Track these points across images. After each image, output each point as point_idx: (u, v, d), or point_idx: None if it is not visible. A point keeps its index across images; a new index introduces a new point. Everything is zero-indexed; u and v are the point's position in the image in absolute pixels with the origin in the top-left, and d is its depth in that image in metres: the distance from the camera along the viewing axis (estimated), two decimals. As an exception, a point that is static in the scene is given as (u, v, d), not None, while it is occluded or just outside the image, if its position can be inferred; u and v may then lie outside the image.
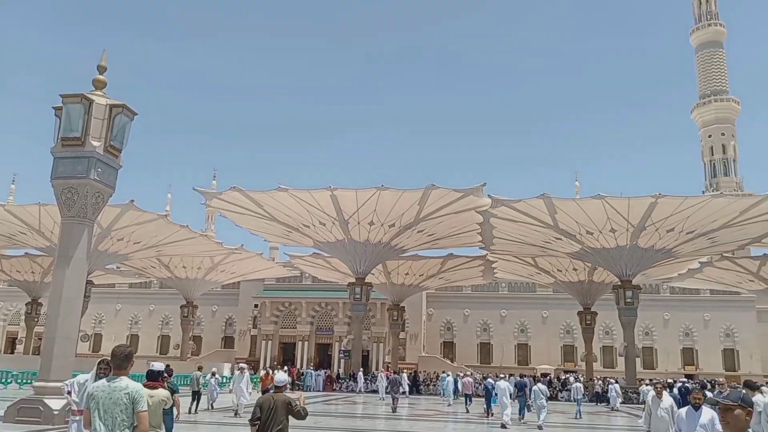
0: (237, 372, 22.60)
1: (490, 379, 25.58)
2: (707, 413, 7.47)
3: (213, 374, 24.58)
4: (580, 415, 25.55)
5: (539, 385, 22.21)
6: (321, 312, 60.90)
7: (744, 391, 3.21)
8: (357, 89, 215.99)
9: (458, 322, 67.78)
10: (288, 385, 9.10)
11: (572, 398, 28.82)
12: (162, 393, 6.62)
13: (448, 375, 34.06)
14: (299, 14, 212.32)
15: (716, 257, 44.59)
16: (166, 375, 7.36)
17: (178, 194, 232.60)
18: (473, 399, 28.59)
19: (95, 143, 16.15)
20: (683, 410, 7.86)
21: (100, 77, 17.13)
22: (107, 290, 66.31)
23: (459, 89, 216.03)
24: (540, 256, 45.68)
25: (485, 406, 24.19)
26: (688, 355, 64.90)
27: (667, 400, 10.80)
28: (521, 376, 29.84)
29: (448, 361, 60.79)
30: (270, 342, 59.54)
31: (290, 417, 7.37)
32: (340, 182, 37.64)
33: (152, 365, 7.45)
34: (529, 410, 22.70)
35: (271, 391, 7.71)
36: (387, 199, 35.70)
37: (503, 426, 19.70)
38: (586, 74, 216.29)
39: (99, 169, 16.25)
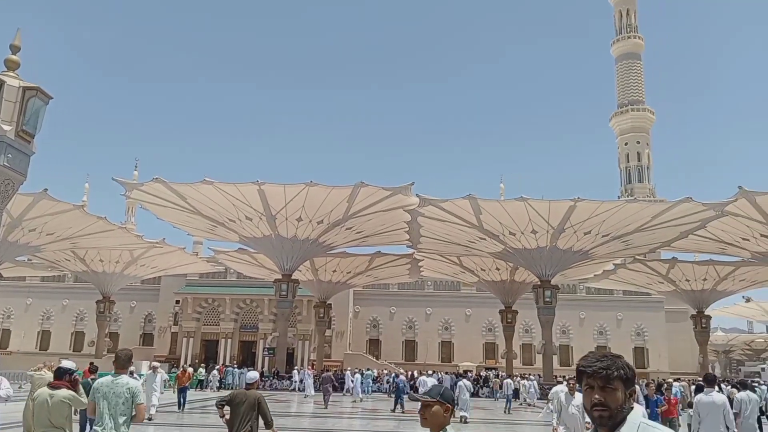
0: (149, 371, 21.02)
1: (402, 377, 27.09)
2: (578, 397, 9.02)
3: (131, 373, 23.58)
4: (509, 411, 26.87)
5: (464, 381, 23.25)
6: (246, 309, 59.85)
7: (445, 388, 3.16)
8: (291, 85, 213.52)
9: (384, 319, 68.27)
10: (259, 383, 8.97)
11: (503, 394, 29.81)
12: (63, 393, 6.37)
13: (356, 372, 34.97)
14: (235, 5, 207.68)
15: (629, 260, 46.94)
16: (75, 374, 7.02)
17: (97, 184, 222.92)
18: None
19: (6, 127, 15.17)
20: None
21: (13, 57, 16.10)
22: (17, 283, 62.68)
23: (392, 91, 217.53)
24: (465, 256, 46.66)
25: (394, 402, 25.43)
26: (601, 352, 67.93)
27: (579, 397, 9.64)
28: (457, 375, 31.25)
29: (374, 359, 61.15)
30: (191, 339, 57.95)
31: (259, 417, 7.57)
32: (268, 177, 37.10)
33: (62, 362, 7.11)
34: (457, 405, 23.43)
35: (245, 388, 7.96)
36: (316, 196, 35.48)
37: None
38: (514, 81, 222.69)
39: (9, 155, 15.26)
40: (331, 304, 55.28)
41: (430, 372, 29.27)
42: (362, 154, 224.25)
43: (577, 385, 9.99)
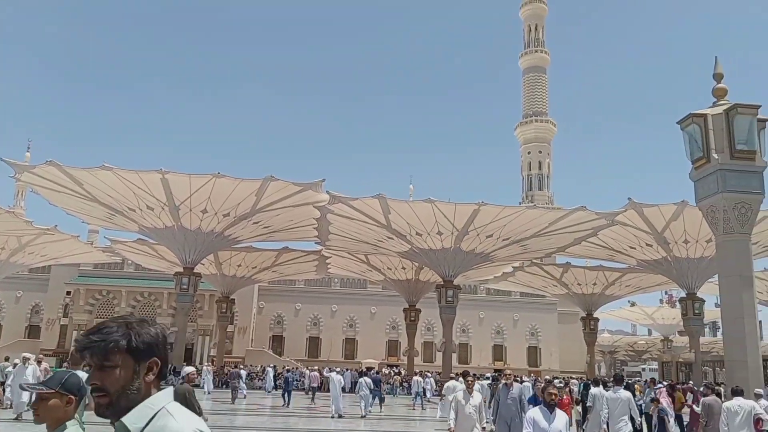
0: (18, 363, 18.20)
1: (290, 373, 28.02)
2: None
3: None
4: (423, 406, 28.00)
5: (365, 378, 24.14)
6: (143, 302, 57.44)
7: (70, 374, 2.59)
8: (203, 81, 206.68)
9: (289, 316, 67.67)
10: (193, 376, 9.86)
11: (413, 391, 30.62)
12: None
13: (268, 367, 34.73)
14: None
15: (527, 263, 49.09)
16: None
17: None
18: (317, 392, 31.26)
19: None
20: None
21: None
22: None
23: (306, 95, 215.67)
24: (372, 254, 47.10)
25: (283, 397, 26.59)
26: (498, 352, 70.77)
27: (477, 397, 9.91)
28: (377, 372, 32.20)
29: (277, 355, 60.47)
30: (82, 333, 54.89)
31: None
32: (173, 166, 35.79)
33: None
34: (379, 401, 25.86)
35: (179, 382, 9.18)
36: (223, 188, 34.58)
37: (339, 416, 21.63)
38: (427, 86, 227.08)
39: None
40: (234, 299, 54.08)
41: (337, 369, 29.63)
42: (273, 151, 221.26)
43: (477, 384, 10.08)
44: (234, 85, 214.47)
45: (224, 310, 52.67)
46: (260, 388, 39.55)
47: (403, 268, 50.20)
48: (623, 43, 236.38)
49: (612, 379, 13.39)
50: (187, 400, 7.94)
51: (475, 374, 16.44)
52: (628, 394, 11.97)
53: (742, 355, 16.42)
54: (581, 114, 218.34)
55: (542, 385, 8.02)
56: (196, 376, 10.31)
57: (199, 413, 7.93)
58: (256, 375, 42.37)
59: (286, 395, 26.57)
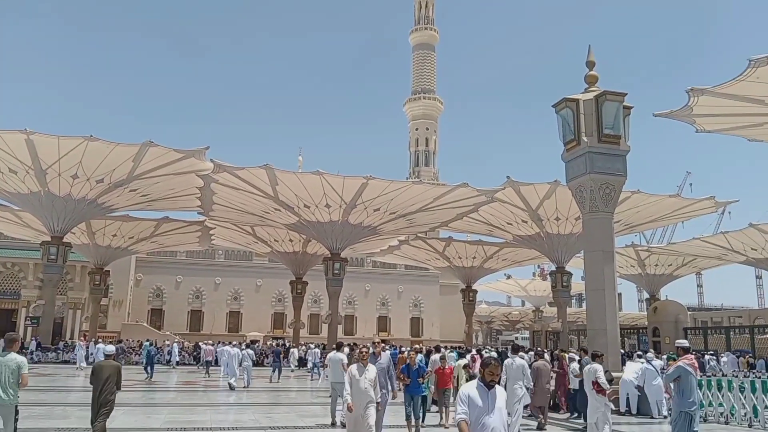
0: None
1: (151, 346, 29.08)
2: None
3: None
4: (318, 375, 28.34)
5: (248, 350, 24.26)
6: (5, 273, 53.12)
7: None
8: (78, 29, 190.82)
9: (169, 288, 65.23)
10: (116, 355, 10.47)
11: (310, 363, 30.97)
12: None
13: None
14: None
15: (412, 237, 50.36)
16: None
17: None
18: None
19: None
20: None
21: None
22: None
23: (191, 56, 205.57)
24: (259, 226, 46.26)
25: (147, 372, 26.23)
26: (383, 323, 72.49)
27: (372, 370, 9.20)
28: (278, 345, 31.99)
29: (156, 329, 58.19)
30: (-69, 307, 49.81)
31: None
32: (38, 127, 32.90)
33: None
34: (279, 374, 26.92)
35: (102, 359, 9.59)
36: (96, 152, 32.26)
37: (231, 387, 21.84)
38: (317, 59, 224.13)
39: None
40: (109, 270, 51.15)
41: (234, 342, 29.40)
42: (154, 116, 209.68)
43: (373, 355, 9.96)
44: (117, 44, 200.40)
45: (97, 283, 49.70)
46: (137, 363, 37.90)
47: (291, 241, 49.80)
48: (508, 25, 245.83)
49: (511, 348, 14.59)
50: (119, 375, 9.17)
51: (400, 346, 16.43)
52: (522, 361, 13.14)
53: (602, 324, 17.86)
54: (467, 93, 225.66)
55: (482, 360, 5.97)
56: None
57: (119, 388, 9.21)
58: (133, 350, 40.50)
59: (149, 368, 26.35)
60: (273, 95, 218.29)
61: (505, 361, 13.34)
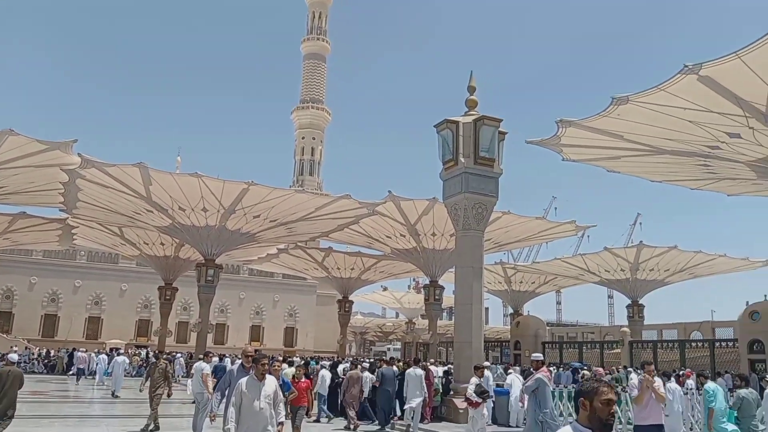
0: None
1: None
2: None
3: None
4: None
5: (121, 356, 25.43)
6: None
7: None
8: None
9: (21, 290, 59.95)
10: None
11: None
12: None
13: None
14: None
15: (291, 246, 49.86)
16: None
17: None
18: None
19: None
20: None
21: None
22: None
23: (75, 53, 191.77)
24: (128, 227, 43.68)
25: None
26: (256, 332, 71.02)
27: (270, 384, 7.11)
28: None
29: (2, 334, 53.09)
30: None
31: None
32: None
33: None
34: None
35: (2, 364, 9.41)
36: (-59, 137, 29.01)
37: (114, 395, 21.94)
38: (203, 54, 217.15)
39: None
40: (-51, 268, 46.04)
41: (121, 351, 28.33)
42: (17, 103, 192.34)
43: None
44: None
45: (-65, 281, 44.51)
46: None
47: (162, 244, 47.43)
48: (399, 44, 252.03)
49: (413, 361, 16.20)
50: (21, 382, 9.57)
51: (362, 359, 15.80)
52: (421, 372, 14.67)
53: (468, 337, 18.66)
54: (356, 106, 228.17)
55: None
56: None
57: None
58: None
59: None
60: (156, 92, 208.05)
61: (407, 371, 14.95)
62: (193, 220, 37.47)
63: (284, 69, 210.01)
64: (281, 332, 72.10)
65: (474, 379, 12.61)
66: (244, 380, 7.06)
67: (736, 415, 9.89)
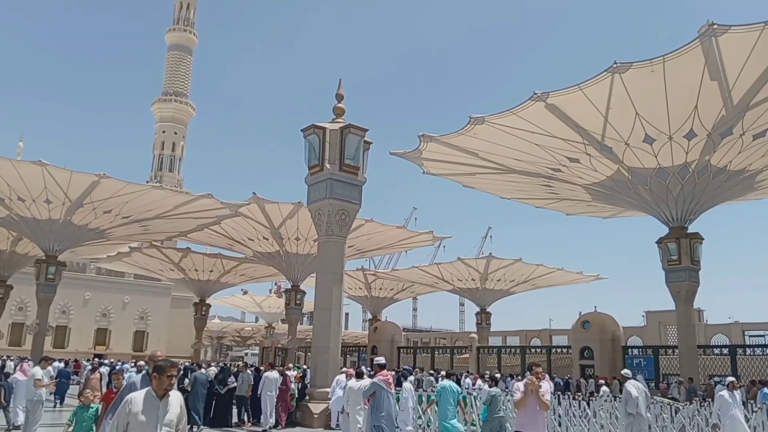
0: None
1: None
2: None
3: None
4: None
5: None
6: None
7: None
8: None
9: None
10: None
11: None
12: None
13: None
14: None
15: (146, 244, 47.36)
16: None
17: None
18: None
19: None
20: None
21: None
22: None
23: None
24: (-47, 216, 39.17)
25: None
26: (102, 335, 66.45)
27: (176, 401, 5.21)
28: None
29: None
30: None
31: None
32: None
33: None
34: None
35: None
36: None
37: None
38: (66, 32, 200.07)
39: None
40: None
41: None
42: None
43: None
44: None
45: None
46: None
47: (-4, 237, 43.04)
48: (270, 42, 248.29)
49: (355, 372, 14.40)
50: None
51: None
52: (366, 382, 13.34)
53: (326, 341, 18.92)
54: (223, 103, 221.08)
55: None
56: None
57: None
58: None
59: None
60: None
61: (349, 383, 13.83)
62: (33, 212, 34.40)
63: (147, 59, 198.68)
64: (130, 336, 68.03)
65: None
66: (136, 396, 5.05)
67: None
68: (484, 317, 51.62)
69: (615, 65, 19.30)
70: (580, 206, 32.17)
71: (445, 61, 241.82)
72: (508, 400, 12.46)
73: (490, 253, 45.83)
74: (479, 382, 18.51)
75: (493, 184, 31.02)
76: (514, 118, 22.54)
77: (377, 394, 10.75)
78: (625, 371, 13.32)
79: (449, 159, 27.72)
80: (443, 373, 16.32)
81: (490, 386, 14.71)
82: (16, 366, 27.77)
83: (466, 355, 39.56)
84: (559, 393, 15.83)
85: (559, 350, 35.72)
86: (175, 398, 5.17)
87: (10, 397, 15.28)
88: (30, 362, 18.32)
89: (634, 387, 11.84)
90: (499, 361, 36.55)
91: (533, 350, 38.94)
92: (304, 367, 29.12)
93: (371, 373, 21.60)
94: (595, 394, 18.47)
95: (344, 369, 17.31)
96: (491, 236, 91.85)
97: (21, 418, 14.25)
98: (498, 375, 14.76)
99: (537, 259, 45.98)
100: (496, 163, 27.03)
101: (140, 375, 6.74)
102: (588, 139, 23.14)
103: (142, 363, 16.87)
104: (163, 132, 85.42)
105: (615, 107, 21.03)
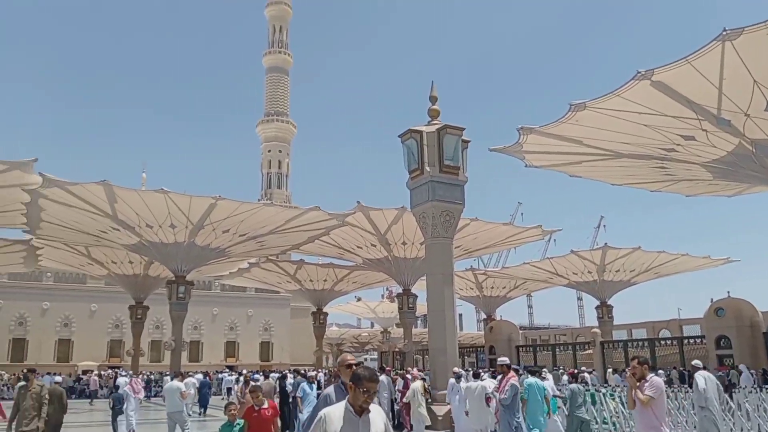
0: None
1: None
2: None
3: None
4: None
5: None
6: None
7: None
8: None
9: (-14, 315, 58.36)
10: None
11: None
12: None
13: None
14: None
15: (263, 259, 49.64)
16: None
17: None
18: None
19: None
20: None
21: None
22: None
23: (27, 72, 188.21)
24: (94, 246, 43.00)
25: None
26: (231, 348, 70.29)
27: (378, 421, 5.05)
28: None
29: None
30: None
31: None
32: None
33: None
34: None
35: None
36: None
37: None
38: (163, 69, 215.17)
39: None
40: None
41: (130, 372, 26.91)
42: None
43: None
44: None
45: None
46: None
47: (131, 262, 46.81)
48: (362, 54, 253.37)
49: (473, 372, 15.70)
50: None
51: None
52: (486, 383, 13.97)
53: (442, 343, 18.90)
54: (321, 118, 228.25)
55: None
56: None
57: None
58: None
59: None
60: (118, 107, 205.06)
61: (469, 384, 14.28)
62: (161, 236, 37.11)
63: (247, 82, 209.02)
64: (257, 347, 71.49)
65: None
66: (331, 412, 4.28)
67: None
68: (605, 310, 49.45)
69: (725, 32, 17.86)
70: (700, 186, 30.00)
71: (534, 51, 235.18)
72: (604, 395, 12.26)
73: (606, 243, 43.79)
74: (565, 377, 17.75)
75: (601, 171, 29.66)
76: (618, 100, 21.44)
77: (516, 396, 10.82)
78: (696, 362, 12.47)
79: (552, 150, 26.82)
80: (523, 371, 15.89)
81: (570, 382, 14.26)
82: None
83: (590, 351, 37.96)
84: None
85: (692, 341, 33.44)
86: (377, 414, 4.36)
87: (120, 407, 17.00)
88: (128, 376, 20.17)
89: (703, 378, 11.05)
90: (626, 356, 34.74)
91: (663, 342, 36.66)
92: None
93: (492, 371, 21.37)
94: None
95: (456, 370, 17.14)
96: (604, 226, 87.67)
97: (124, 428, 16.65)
98: (584, 370, 14.63)
99: (658, 246, 43.48)
100: (603, 149, 25.83)
101: (331, 387, 5.69)
102: (702, 114, 21.55)
103: (313, 374, 17.89)
104: (269, 151, 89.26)
105: (729, 77, 19.44)
